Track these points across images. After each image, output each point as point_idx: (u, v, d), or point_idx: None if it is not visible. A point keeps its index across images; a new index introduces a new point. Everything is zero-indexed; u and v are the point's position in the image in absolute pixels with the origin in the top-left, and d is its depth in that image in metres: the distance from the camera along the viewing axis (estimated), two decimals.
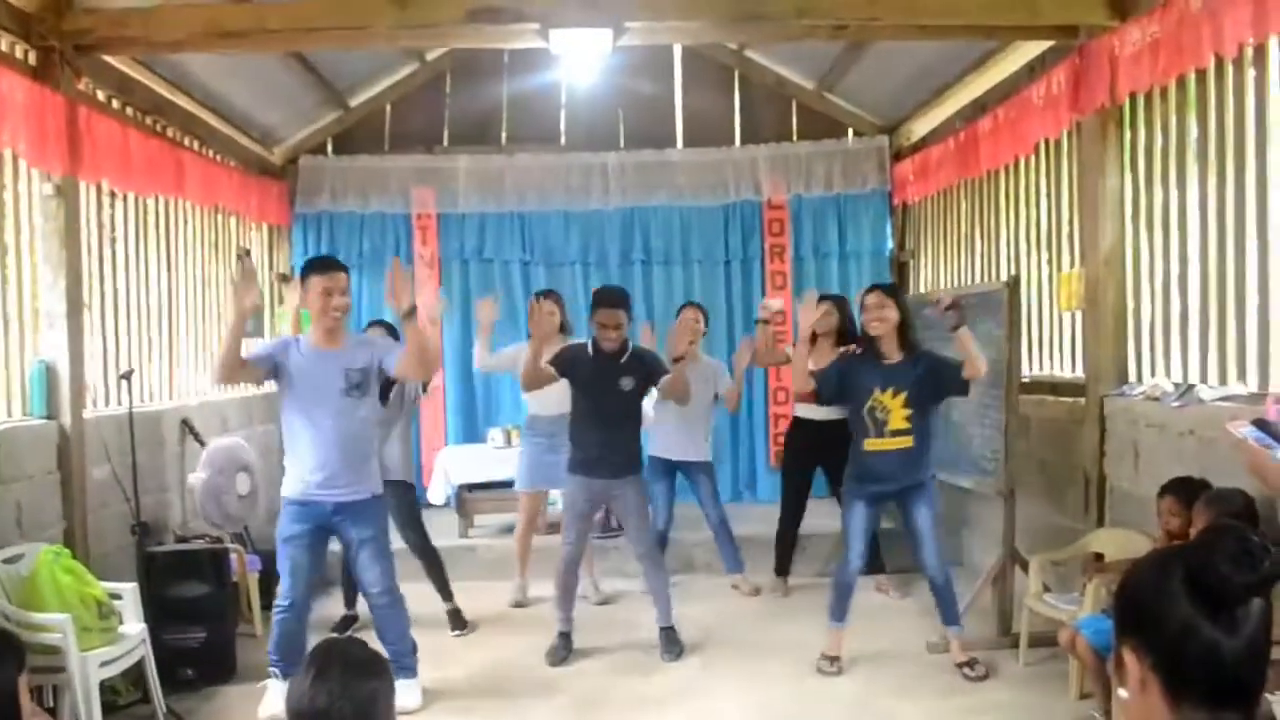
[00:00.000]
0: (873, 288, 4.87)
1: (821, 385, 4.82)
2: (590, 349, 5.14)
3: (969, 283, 6.87)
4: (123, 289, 5.88)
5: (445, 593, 5.77)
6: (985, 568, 5.45)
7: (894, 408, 4.65)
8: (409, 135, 8.49)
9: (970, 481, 5.38)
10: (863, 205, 8.31)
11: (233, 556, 5.51)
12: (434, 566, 5.74)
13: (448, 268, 8.38)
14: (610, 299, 5.07)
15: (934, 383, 4.64)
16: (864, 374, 4.69)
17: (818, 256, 8.35)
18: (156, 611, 4.80)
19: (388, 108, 8.52)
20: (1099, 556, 4.70)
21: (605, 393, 5.06)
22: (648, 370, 5.09)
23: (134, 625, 4.40)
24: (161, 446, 5.93)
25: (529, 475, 6.05)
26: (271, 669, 4.50)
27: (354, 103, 8.33)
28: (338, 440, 4.33)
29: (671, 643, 5.20)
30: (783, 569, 6.34)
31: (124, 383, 5.21)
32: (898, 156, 8.19)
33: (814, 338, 6.00)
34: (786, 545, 6.33)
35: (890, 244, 8.35)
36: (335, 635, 2.01)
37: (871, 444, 4.70)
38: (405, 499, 5.58)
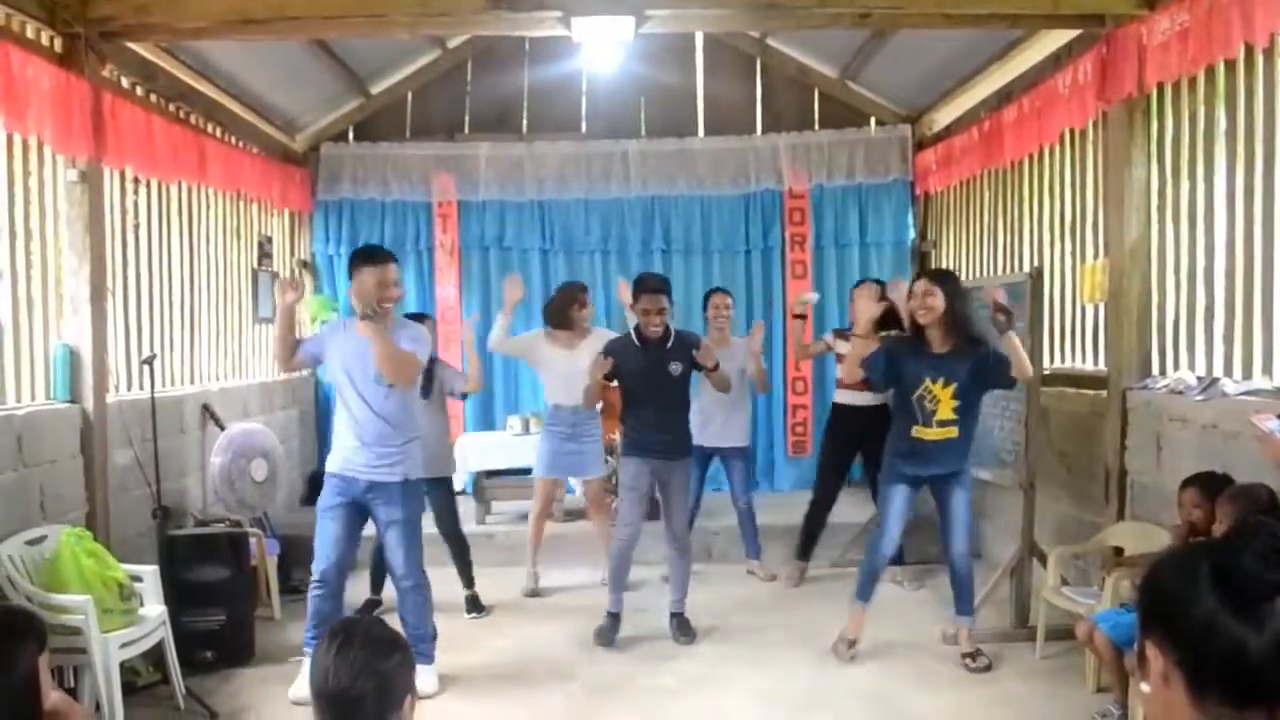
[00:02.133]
0: (921, 274, 4.82)
1: (870, 371, 4.78)
2: (635, 338, 5.17)
3: (991, 274, 6.82)
4: (145, 274, 5.91)
5: (467, 579, 5.82)
6: (1003, 560, 5.42)
7: (944, 398, 4.63)
8: (430, 123, 8.50)
9: (990, 473, 5.35)
10: (884, 195, 8.26)
11: (252, 541, 5.55)
12: (461, 553, 5.77)
13: (468, 255, 8.39)
14: (654, 285, 5.11)
15: (984, 377, 4.60)
16: (913, 362, 4.65)
17: (838, 246, 8.31)
18: (176, 594, 4.86)
19: (409, 95, 8.53)
20: (1118, 550, 4.67)
21: (656, 379, 5.10)
22: (690, 350, 5.12)
23: (154, 607, 4.44)
24: (182, 431, 5.98)
25: (548, 463, 6.06)
26: (306, 646, 4.55)
27: (376, 90, 8.34)
28: (373, 420, 4.41)
29: (685, 627, 5.23)
30: (804, 553, 6.33)
31: (146, 368, 5.25)
32: (920, 146, 8.14)
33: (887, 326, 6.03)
34: (813, 530, 6.31)
35: (912, 234, 8.31)
36: (358, 616, 2.04)
37: (919, 431, 4.67)
38: (440, 489, 5.64)
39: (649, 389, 5.12)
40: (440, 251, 8.36)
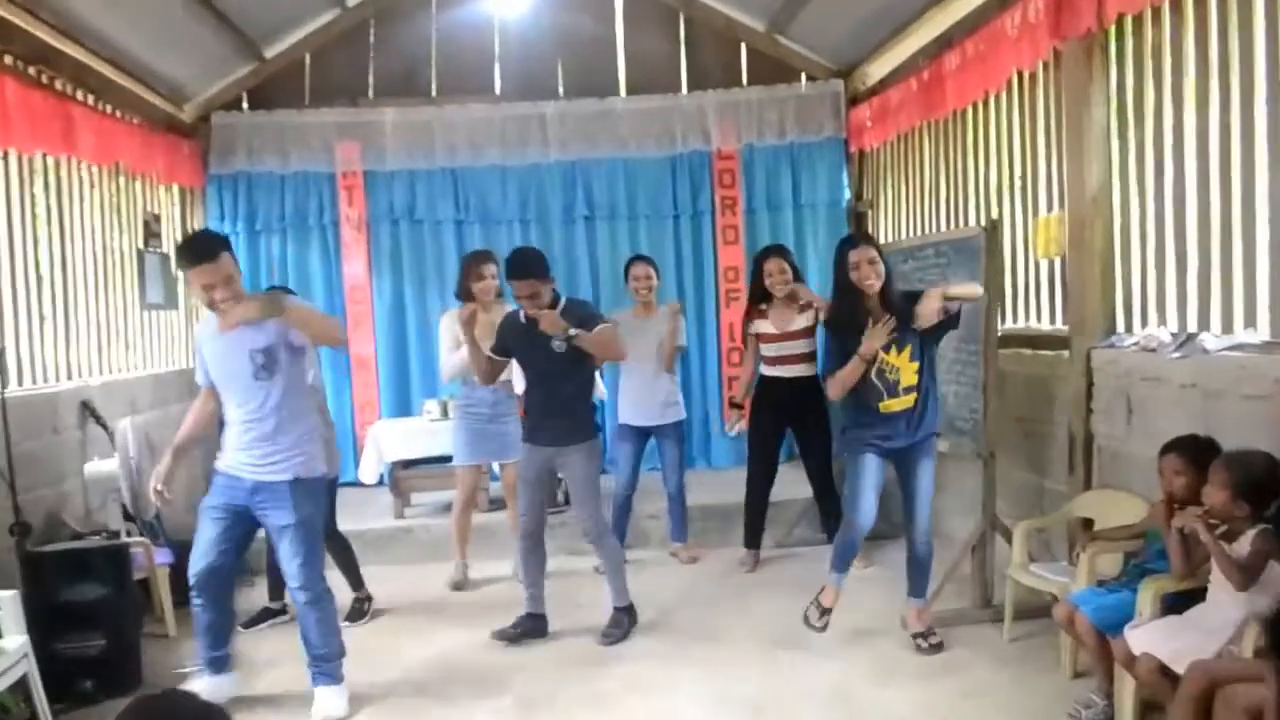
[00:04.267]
0: (855, 240, 4.41)
1: (829, 371, 4.42)
2: (523, 315, 4.72)
3: (934, 231, 6.44)
4: (4, 258, 5.25)
5: (355, 580, 5.33)
6: (959, 535, 5.09)
7: (903, 365, 4.29)
8: (331, 87, 7.87)
9: (944, 444, 4.97)
10: (818, 153, 7.87)
11: (138, 552, 4.98)
12: (342, 552, 5.25)
13: (376, 229, 7.81)
14: (517, 269, 4.59)
15: (937, 325, 4.25)
16: (858, 339, 4.26)
17: (771, 209, 7.90)
18: (46, 619, 4.28)
19: (307, 58, 7.88)
20: (1088, 522, 4.34)
21: (539, 357, 4.66)
22: (580, 324, 4.61)
23: (14, 638, 3.85)
24: (56, 432, 5.34)
25: (467, 449, 5.58)
26: (197, 660, 4.18)
27: (270, 53, 7.70)
28: (257, 419, 3.95)
29: (615, 624, 4.80)
30: (753, 541, 5.93)
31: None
32: (854, 101, 7.75)
33: (769, 299, 5.67)
34: (756, 515, 5.92)
35: (848, 194, 7.92)
36: (158, 693, 1.57)
37: (887, 406, 4.32)
38: None
39: (535, 367, 4.72)
40: (346, 226, 7.76)
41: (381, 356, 7.85)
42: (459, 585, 5.72)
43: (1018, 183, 5.49)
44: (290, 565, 3.99)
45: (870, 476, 4.38)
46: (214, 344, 3.98)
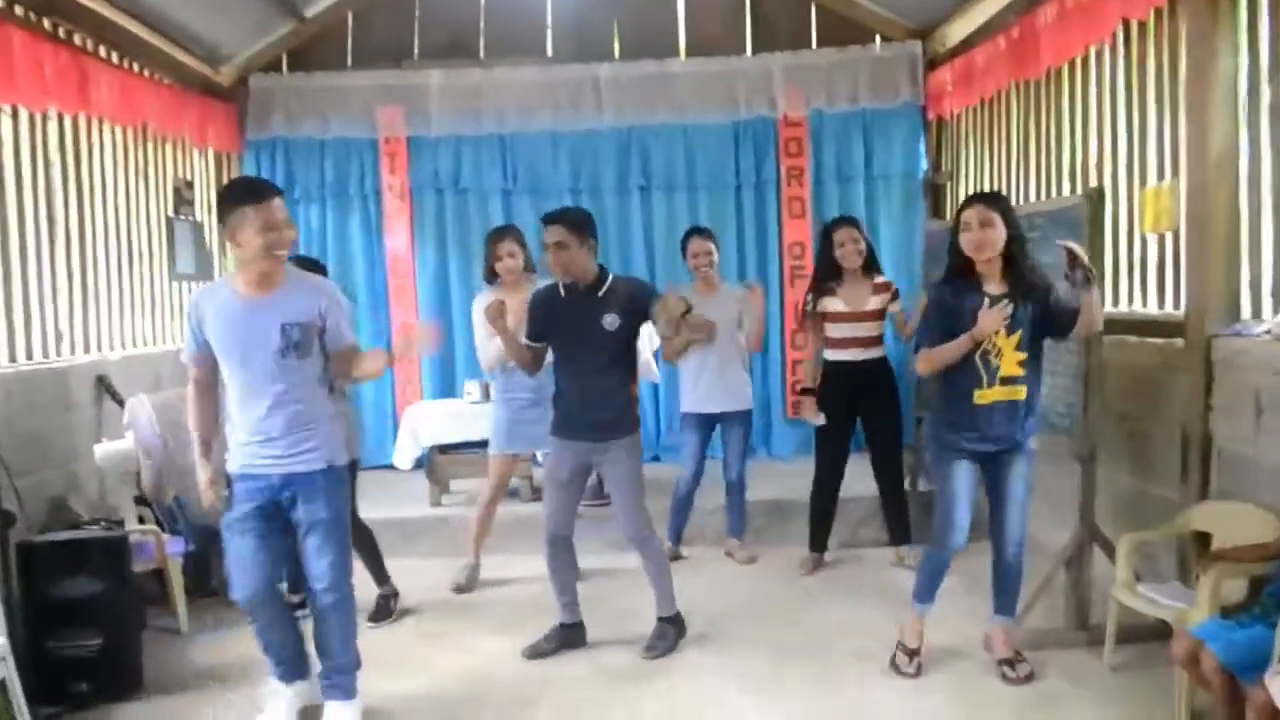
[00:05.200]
0: (973, 199, 3.83)
1: (928, 341, 3.85)
2: (561, 288, 4.23)
3: (1025, 202, 5.83)
4: (14, 224, 4.90)
5: (379, 574, 4.90)
6: (1052, 545, 4.51)
7: (1008, 350, 3.72)
8: (374, 48, 7.47)
9: (1037, 441, 4.37)
10: (892, 121, 7.25)
11: (148, 542, 4.63)
12: (365, 543, 4.82)
13: (420, 198, 7.39)
14: (552, 214, 4.20)
15: (1048, 321, 3.72)
16: (970, 310, 3.71)
17: (841, 180, 7.32)
18: (38, 615, 3.95)
19: (349, 17, 7.49)
20: (1204, 537, 3.76)
21: (583, 336, 4.14)
22: (634, 302, 4.13)
23: None
24: (68, 410, 5.00)
25: (505, 436, 5.14)
26: (270, 676, 3.76)
27: (310, 13, 7.32)
28: (282, 404, 3.45)
29: (660, 636, 4.31)
30: (819, 544, 5.40)
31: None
32: (932, 64, 7.13)
33: (839, 271, 5.15)
34: (823, 516, 5.39)
35: (924, 164, 7.30)
36: None
37: (983, 395, 3.75)
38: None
39: (575, 348, 4.19)
40: (389, 195, 7.35)
41: None
42: (463, 588, 5.26)
43: (1121, 149, 4.86)
44: (318, 563, 3.55)
45: (963, 488, 3.84)
46: (229, 311, 3.42)
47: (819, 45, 7.36)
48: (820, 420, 5.28)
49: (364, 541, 4.81)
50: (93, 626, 4.00)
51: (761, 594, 5.07)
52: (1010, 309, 3.66)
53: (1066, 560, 4.21)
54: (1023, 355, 3.72)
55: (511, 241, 5.03)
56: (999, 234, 3.67)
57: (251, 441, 3.49)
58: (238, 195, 3.39)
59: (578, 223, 4.13)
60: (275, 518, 3.54)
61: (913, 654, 3.97)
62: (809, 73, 7.27)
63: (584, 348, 4.14)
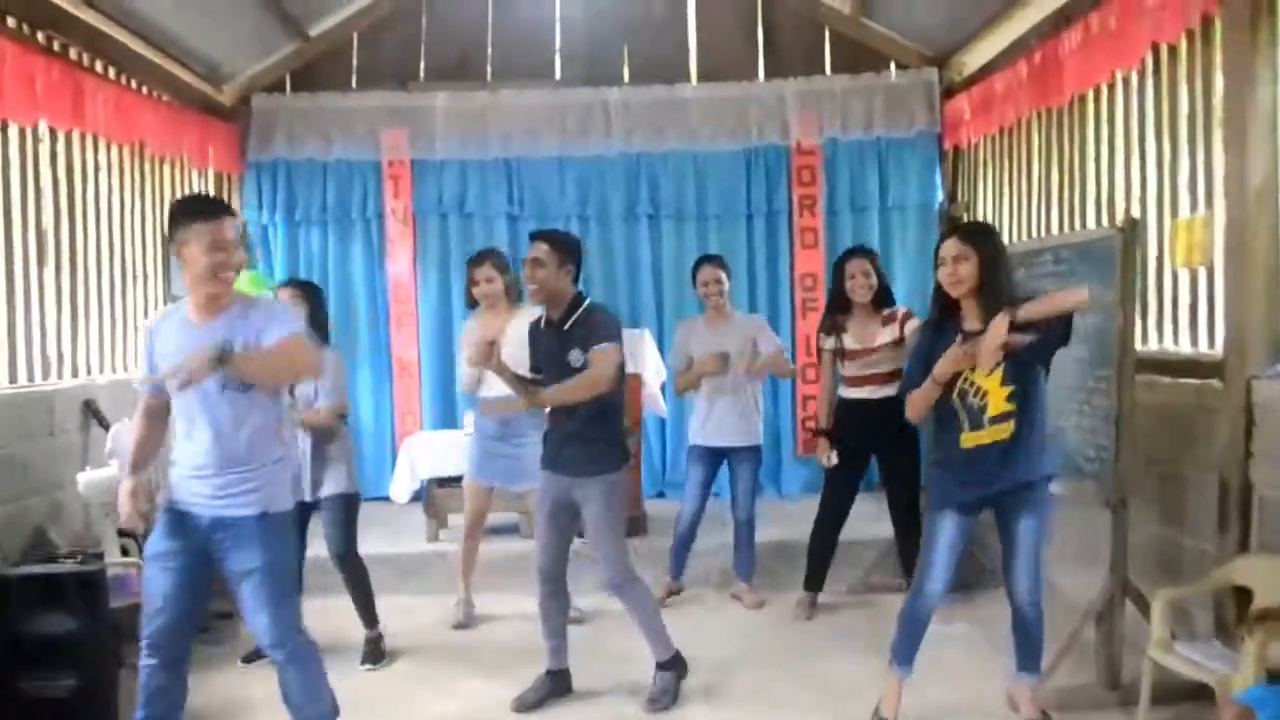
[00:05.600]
0: (950, 232, 3.64)
1: (912, 385, 3.65)
2: (542, 319, 4.13)
3: (1049, 235, 5.63)
4: None
5: (368, 616, 4.67)
6: (1079, 597, 4.28)
7: (992, 388, 3.47)
8: (379, 70, 7.32)
9: (1062, 486, 4.16)
10: (908, 150, 7.09)
11: (129, 574, 4.40)
12: (357, 582, 4.63)
13: (423, 222, 7.23)
14: (537, 231, 4.18)
15: (1038, 343, 3.43)
16: (944, 350, 3.50)
17: (855, 210, 7.15)
18: (10, 653, 3.77)
19: (355, 37, 7.34)
20: (1244, 593, 3.53)
21: (555, 370, 4.01)
22: (591, 340, 3.94)
23: None
24: (52, 434, 4.81)
25: (475, 465, 5.03)
26: None
27: (315, 32, 7.18)
28: (222, 438, 3.18)
29: (662, 687, 4.06)
30: (814, 583, 5.18)
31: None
32: (949, 93, 6.97)
33: (849, 304, 4.97)
34: (822, 554, 5.16)
35: (940, 195, 7.13)
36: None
37: (969, 439, 3.52)
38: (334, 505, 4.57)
39: (550, 383, 4.02)
40: (391, 219, 7.19)
41: (425, 362, 7.26)
42: (461, 624, 5.08)
43: (1151, 180, 4.67)
44: (257, 619, 3.27)
45: (946, 539, 3.60)
46: (177, 336, 3.19)
47: (833, 71, 7.21)
48: (833, 462, 5.07)
49: (357, 580, 4.61)
50: (67, 666, 3.82)
51: (769, 641, 4.83)
52: (968, 346, 3.44)
53: (1096, 615, 3.97)
54: (1009, 389, 3.46)
55: (490, 266, 4.91)
56: (972, 268, 3.46)
57: (185, 475, 3.24)
58: (187, 210, 3.18)
59: (561, 244, 4.01)
60: (199, 557, 3.25)
61: None
62: (823, 99, 7.12)
63: (556, 381, 3.97)
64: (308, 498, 4.41)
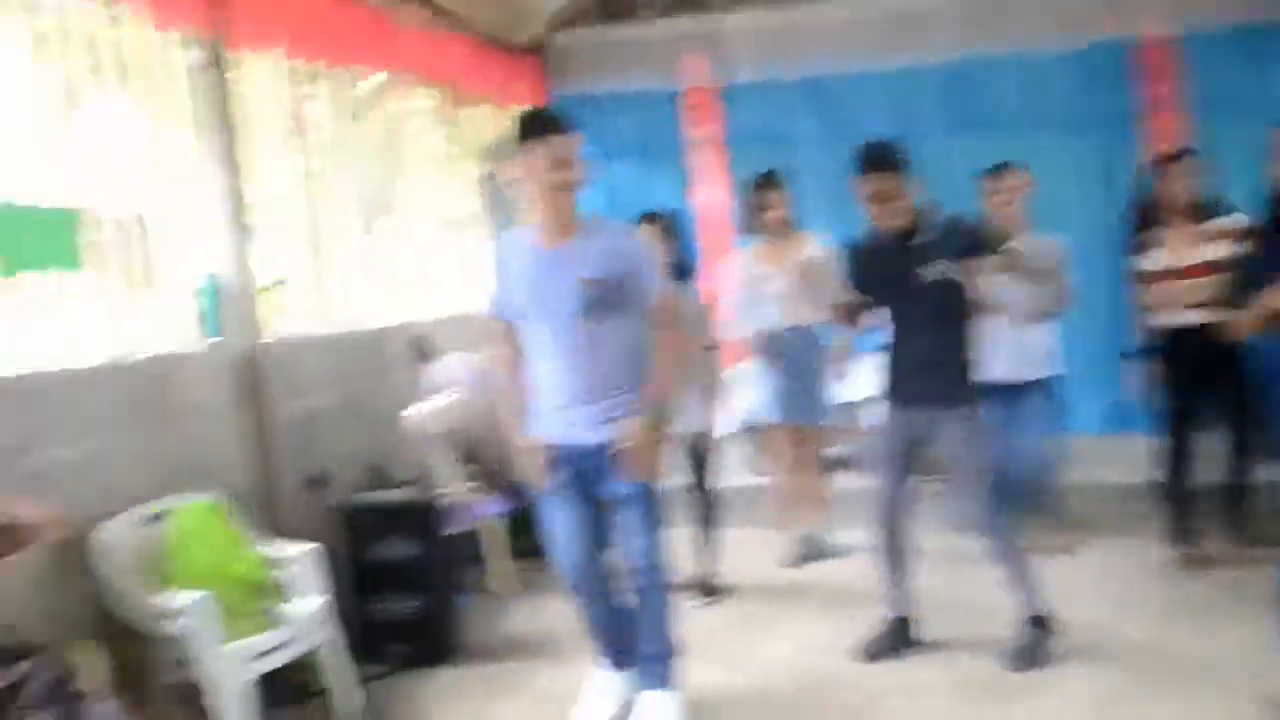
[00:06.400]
0: None
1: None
2: (879, 235, 3.65)
3: None
4: (326, 186, 4.89)
5: (711, 553, 4.52)
6: None
7: None
8: None
9: None
10: None
11: (467, 504, 4.48)
12: (707, 518, 4.50)
13: (731, 151, 6.93)
14: (874, 158, 3.53)
15: None
16: None
17: (1218, 111, 6.13)
18: (357, 577, 3.94)
19: None
20: None
21: (902, 291, 3.57)
22: (962, 244, 3.51)
23: (311, 601, 3.38)
24: (386, 372, 4.96)
25: (776, 405, 4.76)
26: (595, 658, 3.48)
27: None
28: (583, 366, 3.12)
29: (1027, 643, 3.61)
30: (1187, 536, 4.48)
31: (311, 298, 4.24)
32: None
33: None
34: (1183, 501, 4.47)
35: None
36: None
37: None
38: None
39: (895, 304, 3.63)
40: (697, 149, 6.98)
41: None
42: (795, 563, 4.86)
43: None
44: (634, 541, 3.22)
45: None
46: (529, 262, 3.14)
47: None
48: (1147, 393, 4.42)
49: (708, 516, 4.50)
50: (410, 589, 3.94)
51: (1156, 593, 4.22)
52: None
53: None
54: None
55: (781, 190, 4.63)
56: None
57: (552, 407, 3.18)
58: (529, 127, 3.08)
59: (893, 163, 3.52)
60: (591, 489, 3.24)
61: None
62: None
63: (904, 303, 3.59)
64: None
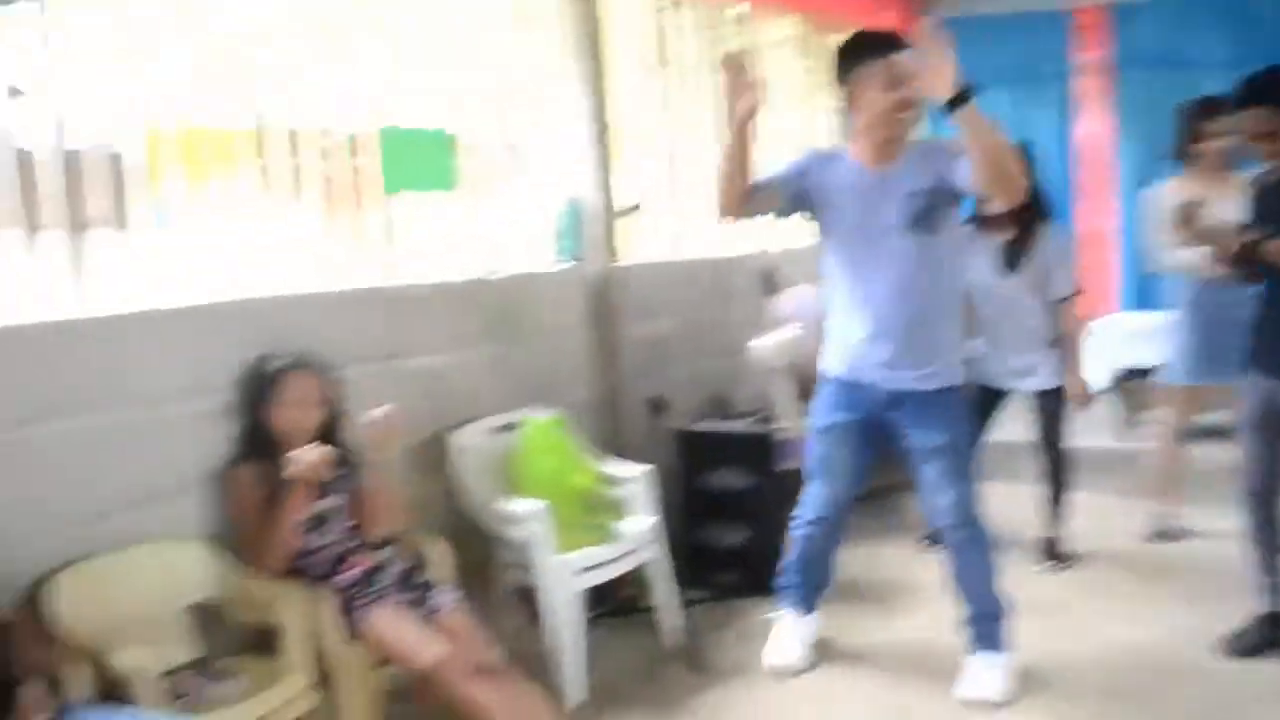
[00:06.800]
0: None
1: None
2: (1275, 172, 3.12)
3: None
4: (680, 115, 4.94)
5: (1057, 515, 4.19)
6: None
7: None
8: None
9: None
10: None
11: (798, 440, 4.40)
12: (1055, 476, 4.17)
13: (1122, 77, 6.32)
14: (1247, 93, 3.01)
15: None
16: None
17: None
18: (689, 503, 4.02)
19: None
20: None
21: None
22: None
23: (643, 520, 3.47)
24: (731, 302, 4.97)
25: (1190, 362, 4.13)
26: (780, 602, 3.41)
27: None
28: (900, 297, 2.92)
29: None
30: None
31: (665, 225, 4.31)
32: None
33: None
34: None
35: None
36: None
37: None
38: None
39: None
40: (1084, 74, 6.36)
41: (1125, 234, 6.39)
42: (1157, 538, 4.38)
43: None
44: (939, 497, 3.05)
45: None
46: (849, 184, 2.93)
47: None
48: None
49: (1056, 474, 4.18)
50: (740, 520, 3.96)
51: None
52: None
53: None
54: None
55: (1231, 117, 3.92)
56: None
57: (859, 340, 3.00)
58: (858, 48, 2.86)
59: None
60: (875, 436, 3.09)
61: None
62: None
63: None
64: (1007, 386, 4.07)
